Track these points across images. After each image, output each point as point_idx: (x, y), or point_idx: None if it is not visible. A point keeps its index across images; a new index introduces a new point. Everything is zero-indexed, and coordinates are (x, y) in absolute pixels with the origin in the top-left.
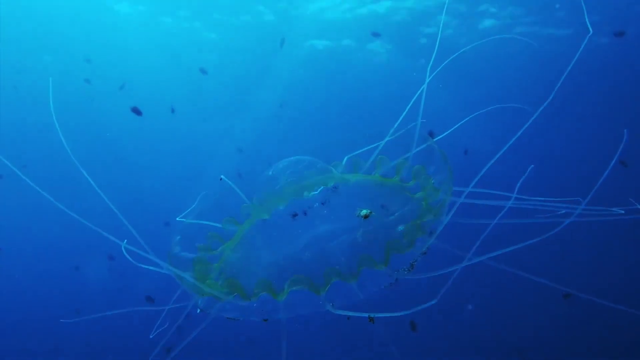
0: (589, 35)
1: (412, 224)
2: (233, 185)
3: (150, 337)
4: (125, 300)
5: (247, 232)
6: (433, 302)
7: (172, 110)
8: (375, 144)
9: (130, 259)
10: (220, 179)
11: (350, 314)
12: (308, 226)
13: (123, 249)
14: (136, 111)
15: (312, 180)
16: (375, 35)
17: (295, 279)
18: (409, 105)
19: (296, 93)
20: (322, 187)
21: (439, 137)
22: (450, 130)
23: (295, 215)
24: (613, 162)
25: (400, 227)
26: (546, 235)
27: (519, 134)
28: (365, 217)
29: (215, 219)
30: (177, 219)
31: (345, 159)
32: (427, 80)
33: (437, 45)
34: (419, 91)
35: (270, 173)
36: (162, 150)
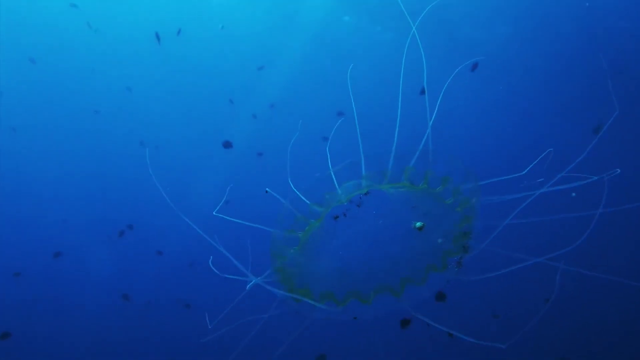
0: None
1: (458, 232)
2: (278, 196)
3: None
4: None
5: (309, 239)
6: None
7: (178, 32)
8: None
9: (215, 270)
10: (266, 191)
11: (432, 323)
12: (366, 232)
13: (210, 263)
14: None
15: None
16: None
17: (380, 286)
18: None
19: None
20: (358, 194)
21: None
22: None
23: (337, 217)
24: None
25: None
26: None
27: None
28: (420, 228)
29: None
30: (214, 213)
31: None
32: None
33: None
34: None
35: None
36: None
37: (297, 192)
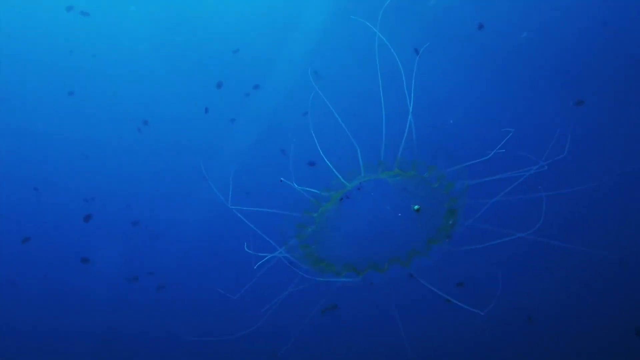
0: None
1: (447, 210)
2: (292, 184)
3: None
4: None
5: (324, 220)
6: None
7: None
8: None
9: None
10: (281, 180)
11: (434, 289)
12: (375, 215)
13: (245, 247)
14: None
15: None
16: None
17: (392, 258)
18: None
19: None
20: (358, 181)
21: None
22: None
23: (341, 199)
24: None
25: (443, 215)
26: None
27: None
28: (417, 211)
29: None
30: (230, 206)
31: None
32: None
33: None
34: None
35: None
36: None
37: (306, 188)
